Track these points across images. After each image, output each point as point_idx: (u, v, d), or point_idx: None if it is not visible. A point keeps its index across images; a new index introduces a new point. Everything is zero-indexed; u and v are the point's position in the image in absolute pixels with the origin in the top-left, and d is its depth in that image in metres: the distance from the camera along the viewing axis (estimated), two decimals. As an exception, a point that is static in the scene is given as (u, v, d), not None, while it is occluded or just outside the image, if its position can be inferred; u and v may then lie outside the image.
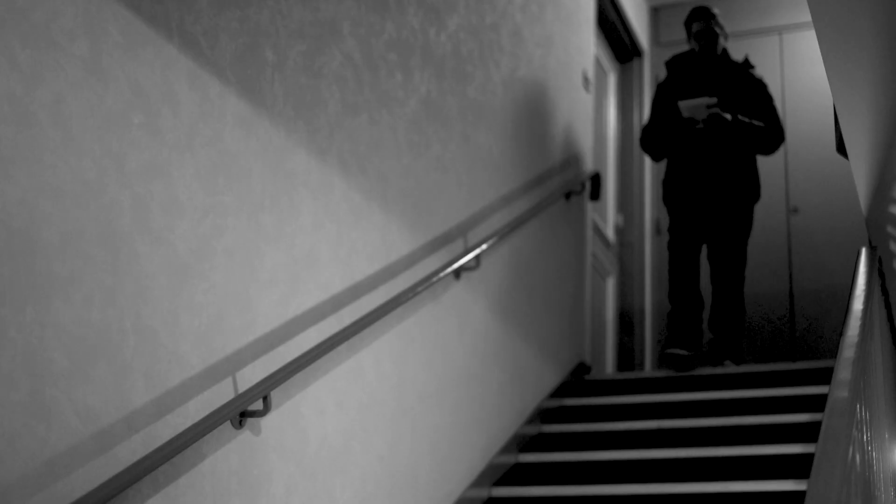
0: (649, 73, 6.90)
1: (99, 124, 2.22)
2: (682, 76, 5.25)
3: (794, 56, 6.60)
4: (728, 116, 4.96)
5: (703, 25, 5.19)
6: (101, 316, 2.18)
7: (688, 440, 4.20)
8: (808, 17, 6.34)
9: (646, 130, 5.33)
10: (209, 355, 2.51)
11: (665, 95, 5.25)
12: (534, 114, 4.85)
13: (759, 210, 6.47)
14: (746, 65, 5.18)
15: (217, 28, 2.62)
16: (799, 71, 6.56)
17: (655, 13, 7.02)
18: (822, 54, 2.89)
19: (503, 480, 4.10)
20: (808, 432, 3.99)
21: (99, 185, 2.21)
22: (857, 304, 2.93)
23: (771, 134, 5.04)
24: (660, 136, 5.22)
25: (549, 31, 5.12)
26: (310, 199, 2.98)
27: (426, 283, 3.48)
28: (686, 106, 4.97)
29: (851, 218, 6.01)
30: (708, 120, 4.98)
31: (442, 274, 3.61)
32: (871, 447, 2.70)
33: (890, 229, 3.97)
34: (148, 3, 2.39)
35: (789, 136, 6.51)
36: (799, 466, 3.73)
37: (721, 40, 5.21)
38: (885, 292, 3.94)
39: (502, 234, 4.23)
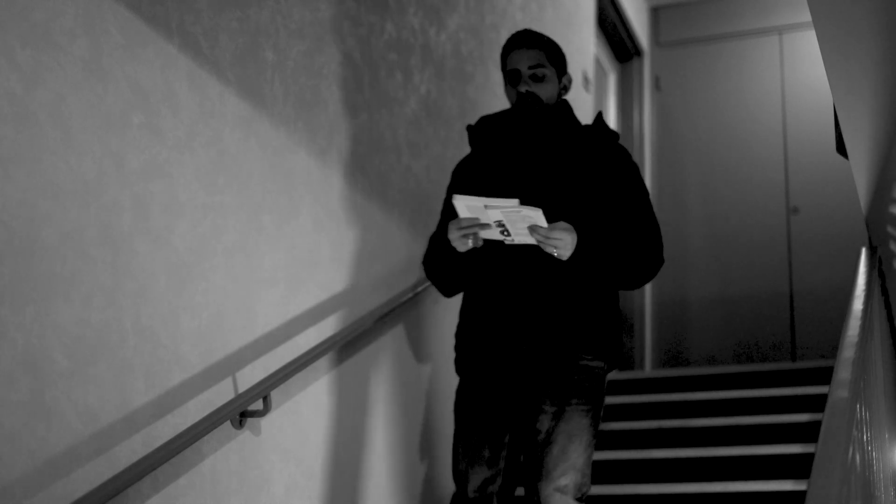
0: (649, 74, 6.90)
1: (99, 124, 2.22)
2: (488, 151, 2.88)
3: (794, 56, 6.60)
4: (562, 251, 2.56)
5: (524, 62, 2.79)
6: (101, 316, 2.18)
7: (688, 440, 4.20)
8: (808, 17, 6.35)
9: (432, 242, 2.93)
10: (209, 355, 2.50)
11: (462, 186, 2.89)
12: (534, 114, 4.85)
13: (760, 210, 6.49)
14: (602, 129, 2.85)
15: (217, 28, 2.62)
16: (799, 71, 6.56)
17: (655, 13, 7.02)
18: (822, 54, 2.90)
19: (503, 480, 4.10)
20: (808, 432, 3.99)
21: (99, 185, 2.21)
22: (857, 304, 2.93)
23: (646, 250, 2.71)
24: (448, 255, 2.73)
25: (549, 31, 5.12)
26: (310, 199, 2.97)
27: (427, 282, 3.48)
28: (460, 224, 2.59)
29: (851, 218, 6.01)
30: (507, 248, 2.69)
31: (442, 274, 3.61)
32: (871, 447, 2.70)
33: (890, 229, 3.97)
34: (148, 3, 2.39)
35: (790, 137, 6.51)
36: (799, 466, 3.73)
37: (549, 88, 2.81)
38: (885, 292, 3.94)
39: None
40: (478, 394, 2.78)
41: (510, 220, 2.46)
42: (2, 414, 1.92)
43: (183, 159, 2.47)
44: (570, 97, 5.42)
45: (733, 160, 6.60)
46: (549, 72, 2.80)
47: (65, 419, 2.06)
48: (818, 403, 4.26)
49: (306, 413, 2.87)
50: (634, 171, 2.81)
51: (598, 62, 6.29)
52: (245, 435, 2.60)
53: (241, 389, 2.59)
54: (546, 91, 2.79)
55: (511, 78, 2.79)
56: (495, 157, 2.84)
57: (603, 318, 2.75)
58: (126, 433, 2.22)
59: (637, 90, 6.79)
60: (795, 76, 6.57)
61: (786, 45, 6.65)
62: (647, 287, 6.60)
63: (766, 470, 3.82)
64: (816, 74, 6.32)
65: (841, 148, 3.68)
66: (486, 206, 2.46)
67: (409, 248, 3.54)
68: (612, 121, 6.61)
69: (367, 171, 3.31)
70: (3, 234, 1.96)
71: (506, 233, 2.49)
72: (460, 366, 2.86)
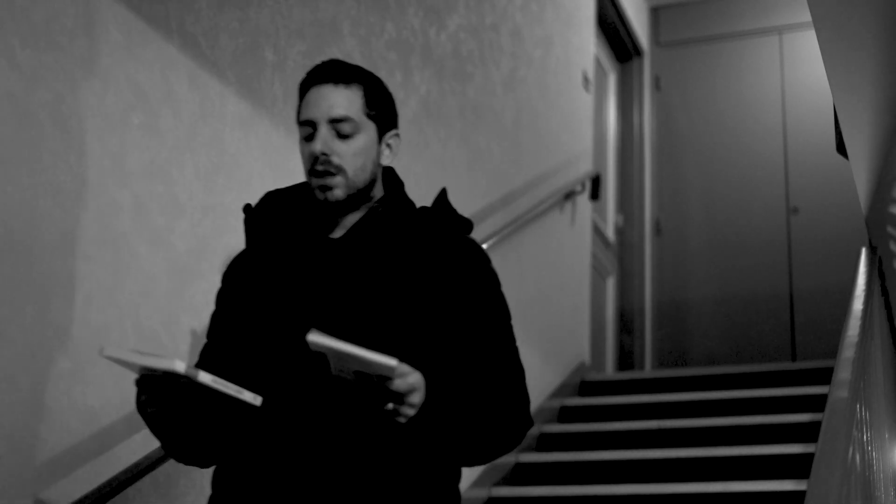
0: (649, 74, 6.90)
1: (99, 124, 2.22)
2: (271, 249, 1.81)
3: (794, 56, 6.60)
4: (406, 410, 1.55)
5: (323, 108, 1.73)
6: (101, 316, 2.18)
7: (688, 440, 4.20)
8: (808, 17, 6.34)
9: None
10: (209, 355, 2.50)
11: (234, 297, 1.83)
12: (534, 114, 4.85)
13: (760, 210, 6.49)
14: (445, 216, 1.84)
15: (217, 28, 2.62)
16: (799, 71, 6.56)
17: (655, 13, 7.02)
18: (822, 54, 2.90)
19: (503, 480, 4.10)
20: (808, 432, 3.99)
21: (99, 185, 2.21)
22: (857, 304, 2.93)
23: (504, 408, 1.71)
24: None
25: (549, 31, 5.12)
26: (310, 199, 2.98)
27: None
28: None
29: (851, 218, 6.00)
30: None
31: (442, 274, 3.60)
32: (871, 447, 2.70)
33: (890, 229, 3.97)
34: (148, 3, 2.39)
35: (790, 137, 6.50)
36: (799, 466, 3.72)
37: (359, 152, 1.74)
38: (885, 292, 3.94)
39: (502, 234, 4.23)
40: None
41: (343, 361, 1.49)
42: (2, 414, 1.92)
43: (183, 159, 2.47)
44: (568, 97, 5.44)
45: (733, 160, 6.60)
46: (362, 125, 1.74)
47: (65, 419, 2.06)
48: (818, 403, 4.26)
49: (306, 413, 2.87)
50: (489, 283, 1.81)
51: (598, 62, 6.29)
52: (245, 435, 2.60)
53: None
54: (353, 157, 1.73)
55: (304, 131, 1.75)
56: (280, 259, 1.78)
57: None
58: (126, 433, 2.22)
59: (637, 90, 6.79)
60: (795, 76, 6.57)
61: (786, 45, 6.64)
62: (647, 287, 6.59)
63: (766, 470, 3.82)
64: (816, 74, 6.31)
65: (841, 148, 3.68)
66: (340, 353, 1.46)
67: (409, 248, 3.54)
68: (611, 121, 6.62)
69: (367, 171, 3.32)
70: (3, 234, 1.96)
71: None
72: None
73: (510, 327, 1.81)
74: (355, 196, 1.75)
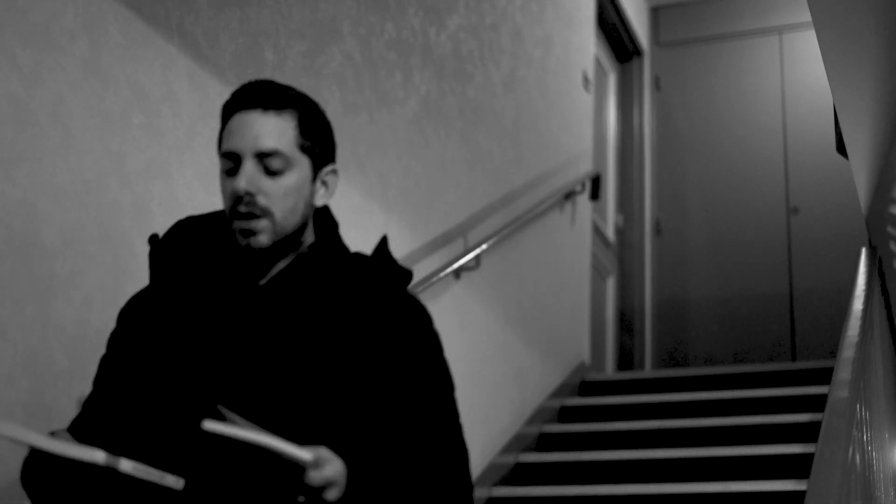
0: (649, 74, 6.90)
1: (99, 124, 2.22)
2: (178, 290, 1.56)
3: (794, 56, 6.60)
4: (329, 496, 1.33)
5: (249, 139, 1.48)
6: (101, 316, 2.18)
7: (688, 440, 4.20)
8: (808, 17, 6.34)
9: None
10: (209, 355, 2.50)
11: (131, 345, 1.56)
12: (534, 114, 4.85)
13: (760, 210, 6.49)
14: (384, 266, 1.59)
15: (217, 28, 2.62)
16: (799, 71, 6.56)
17: (655, 13, 7.02)
18: (822, 54, 2.90)
19: (504, 481, 4.10)
20: (808, 432, 3.99)
21: (99, 185, 2.21)
22: (857, 304, 2.93)
23: (437, 495, 1.47)
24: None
25: (549, 31, 5.12)
26: (310, 199, 2.97)
27: (426, 283, 3.48)
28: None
29: (851, 218, 6.00)
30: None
31: (442, 274, 3.61)
32: (871, 447, 2.70)
33: (890, 229, 3.97)
34: (148, 3, 2.39)
35: (790, 137, 6.50)
36: (799, 466, 3.72)
37: (289, 191, 1.51)
38: (885, 292, 3.94)
39: (502, 235, 4.23)
40: None
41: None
42: (2, 414, 1.92)
43: (183, 159, 2.47)
44: (568, 97, 5.44)
45: (733, 160, 6.60)
46: (294, 160, 1.52)
47: (65, 419, 2.06)
48: (818, 403, 4.26)
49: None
50: (430, 348, 1.56)
51: (598, 62, 6.29)
52: (245, 435, 2.60)
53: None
54: (283, 198, 1.50)
55: (225, 164, 1.52)
56: (190, 305, 1.54)
57: None
58: (126, 433, 2.22)
59: (637, 90, 6.79)
60: (795, 76, 6.57)
61: (786, 45, 6.65)
62: (647, 287, 6.59)
63: (766, 470, 3.82)
64: (816, 74, 6.32)
65: (841, 148, 3.68)
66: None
67: (408, 248, 3.54)
68: (611, 121, 6.61)
69: (367, 171, 3.31)
70: (3, 234, 1.96)
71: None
72: None
73: (453, 400, 1.57)
74: (282, 242, 1.51)
